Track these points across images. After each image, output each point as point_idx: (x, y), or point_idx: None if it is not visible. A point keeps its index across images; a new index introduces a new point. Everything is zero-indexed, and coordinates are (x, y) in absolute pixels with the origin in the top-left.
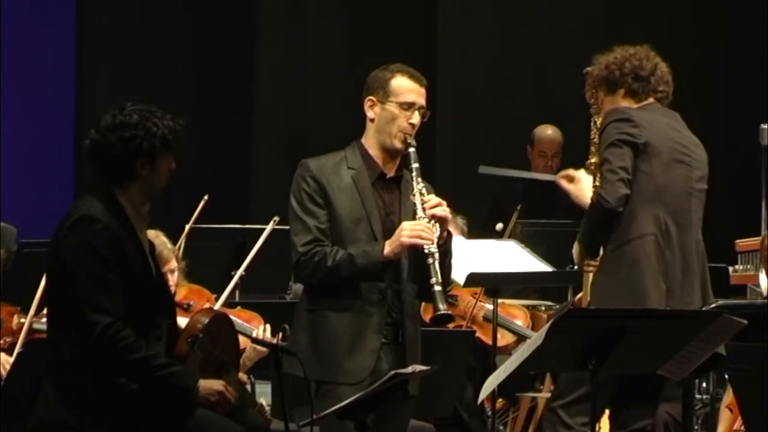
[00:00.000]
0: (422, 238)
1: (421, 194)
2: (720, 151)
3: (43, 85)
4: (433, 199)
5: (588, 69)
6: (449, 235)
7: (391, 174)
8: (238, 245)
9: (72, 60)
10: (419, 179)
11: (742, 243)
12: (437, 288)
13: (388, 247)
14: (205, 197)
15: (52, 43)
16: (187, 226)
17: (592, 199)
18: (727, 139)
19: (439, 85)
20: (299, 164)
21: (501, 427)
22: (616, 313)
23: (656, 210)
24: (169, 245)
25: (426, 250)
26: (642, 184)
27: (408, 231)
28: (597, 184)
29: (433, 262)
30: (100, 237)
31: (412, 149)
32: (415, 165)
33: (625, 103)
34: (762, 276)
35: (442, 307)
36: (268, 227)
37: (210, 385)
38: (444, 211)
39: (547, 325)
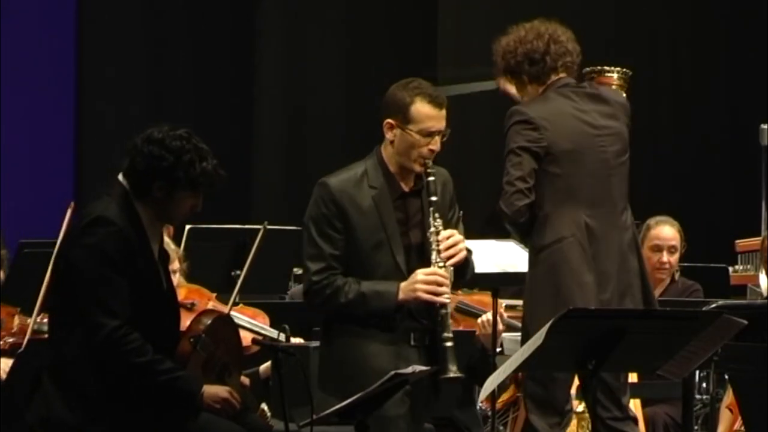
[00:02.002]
0: (438, 294)
1: (437, 233)
2: (720, 151)
3: (43, 85)
4: (450, 238)
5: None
6: (468, 262)
7: (410, 188)
8: (238, 245)
9: (72, 60)
10: (437, 215)
11: (742, 243)
12: (449, 344)
13: (402, 294)
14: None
15: (52, 43)
16: (187, 227)
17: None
18: (727, 139)
19: (439, 85)
20: (319, 183)
21: (501, 428)
22: (616, 313)
23: (572, 210)
24: (172, 245)
25: (438, 303)
26: (553, 186)
27: (423, 285)
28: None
29: (446, 314)
30: (113, 239)
31: (431, 178)
32: (433, 198)
33: (532, 89)
34: (762, 276)
35: (452, 370)
36: (260, 233)
37: (215, 391)
38: (460, 252)
39: (547, 325)
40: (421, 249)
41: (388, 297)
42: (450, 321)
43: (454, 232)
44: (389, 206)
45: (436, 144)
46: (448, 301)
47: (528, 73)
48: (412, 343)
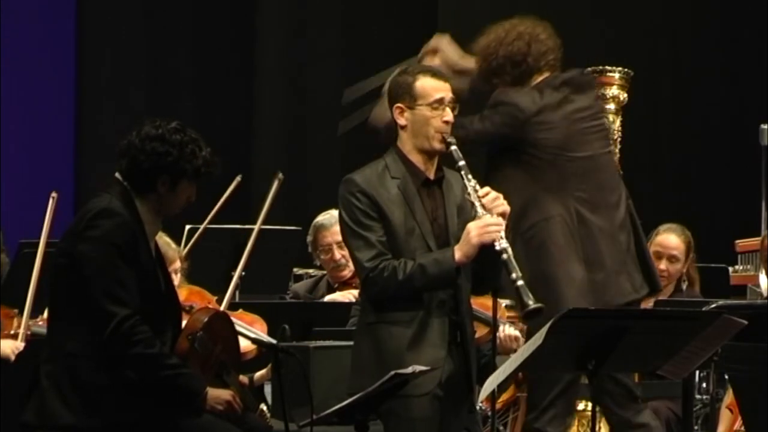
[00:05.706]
0: (492, 234)
1: (476, 191)
2: (720, 151)
3: (43, 85)
4: (490, 194)
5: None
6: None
7: (432, 176)
8: (238, 245)
9: (72, 60)
10: (470, 176)
11: (742, 243)
12: (520, 283)
13: (459, 252)
14: (238, 178)
15: (52, 43)
16: (187, 227)
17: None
18: (727, 139)
19: None
20: (344, 181)
21: (501, 428)
22: (616, 313)
23: (561, 194)
24: (174, 245)
25: (498, 247)
26: (542, 172)
27: (477, 230)
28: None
29: (509, 257)
30: (120, 230)
31: (453, 147)
32: (462, 163)
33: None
34: (762, 276)
35: (531, 303)
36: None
37: (219, 394)
38: (504, 205)
39: (547, 325)
40: (447, 237)
41: (446, 261)
42: (514, 262)
43: (491, 190)
44: (414, 193)
45: (448, 114)
46: (506, 244)
47: (511, 74)
48: (443, 352)
